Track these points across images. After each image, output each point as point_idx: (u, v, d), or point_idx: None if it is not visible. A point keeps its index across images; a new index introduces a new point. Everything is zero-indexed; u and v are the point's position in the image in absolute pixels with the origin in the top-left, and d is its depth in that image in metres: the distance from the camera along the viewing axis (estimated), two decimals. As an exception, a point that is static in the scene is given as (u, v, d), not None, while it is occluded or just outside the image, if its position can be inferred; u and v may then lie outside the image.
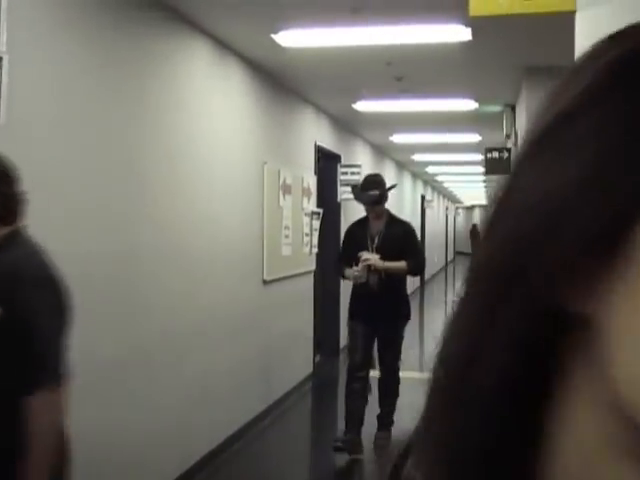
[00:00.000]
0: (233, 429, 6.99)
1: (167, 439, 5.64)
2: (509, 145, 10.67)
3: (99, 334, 4.70)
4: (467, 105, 9.65)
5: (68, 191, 4.38)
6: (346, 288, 11.75)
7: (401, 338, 7.16)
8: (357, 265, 6.68)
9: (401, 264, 6.80)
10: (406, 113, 10.37)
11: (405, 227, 7.18)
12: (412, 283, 21.56)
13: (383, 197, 6.97)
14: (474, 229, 44.01)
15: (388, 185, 7.26)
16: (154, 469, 5.46)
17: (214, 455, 6.48)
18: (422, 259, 7.14)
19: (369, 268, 6.68)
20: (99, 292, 4.70)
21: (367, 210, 7.02)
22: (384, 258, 6.73)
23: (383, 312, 6.79)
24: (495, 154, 10.74)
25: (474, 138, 12.97)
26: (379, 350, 7.13)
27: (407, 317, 7.17)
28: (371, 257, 6.68)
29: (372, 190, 6.88)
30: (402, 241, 6.89)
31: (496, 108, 9.99)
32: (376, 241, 6.87)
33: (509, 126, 9.84)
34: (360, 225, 7.13)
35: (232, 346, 6.93)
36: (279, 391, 8.45)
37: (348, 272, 6.86)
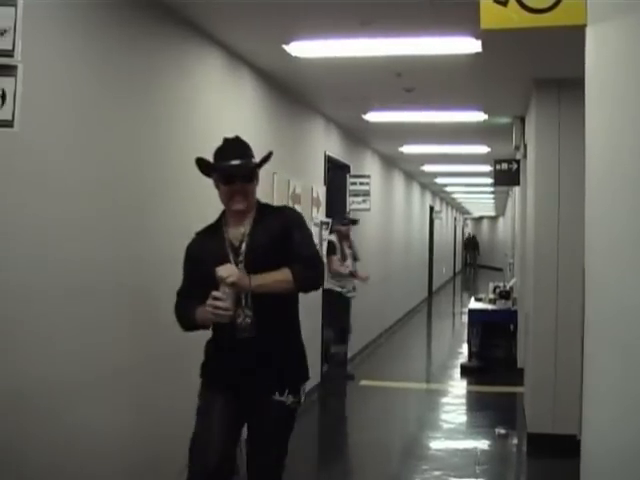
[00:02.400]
0: (241, 438, 6.98)
1: (178, 446, 5.63)
2: (518, 157, 10.70)
3: (110, 341, 4.72)
4: (476, 117, 9.67)
5: (82, 199, 4.41)
6: (355, 298, 11.78)
7: (290, 425, 4.19)
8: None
9: (281, 275, 3.93)
10: (416, 124, 10.38)
11: (284, 216, 4.23)
12: (417, 294, 21.64)
13: (254, 171, 4.16)
14: (469, 240, 44.11)
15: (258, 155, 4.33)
16: (164, 473, 5.47)
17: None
18: (317, 262, 4.15)
19: (237, 296, 3.92)
20: (111, 299, 4.72)
21: (225, 198, 4.12)
22: (258, 271, 3.94)
23: (259, 376, 4.02)
24: (504, 165, 10.78)
25: (483, 149, 12.98)
26: (249, 446, 4.28)
27: (303, 378, 4.23)
28: (229, 271, 3.84)
29: (234, 159, 4.12)
30: (281, 238, 4.03)
31: (505, 120, 10.01)
32: (243, 249, 4.05)
33: (518, 138, 9.86)
34: (210, 233, 4.26)
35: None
36: (286, 400, 8.43)
37: (201, 313, 3.98)
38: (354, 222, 11.03)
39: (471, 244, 44.83)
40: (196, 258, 4.19)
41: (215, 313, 3.82)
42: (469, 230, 46.75)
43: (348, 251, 10.77)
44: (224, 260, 3.95)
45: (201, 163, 4.22)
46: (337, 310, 10.62)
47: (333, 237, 10.47)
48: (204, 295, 3.86)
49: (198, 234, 4.32)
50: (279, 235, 4.04)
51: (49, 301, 4.13)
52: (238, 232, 4.11)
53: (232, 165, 4.09)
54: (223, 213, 4.26)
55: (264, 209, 4.22)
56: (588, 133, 2.99)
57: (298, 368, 4.25)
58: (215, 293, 3.80)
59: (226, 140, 4.31)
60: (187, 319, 4.15)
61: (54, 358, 4.17)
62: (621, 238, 2.36)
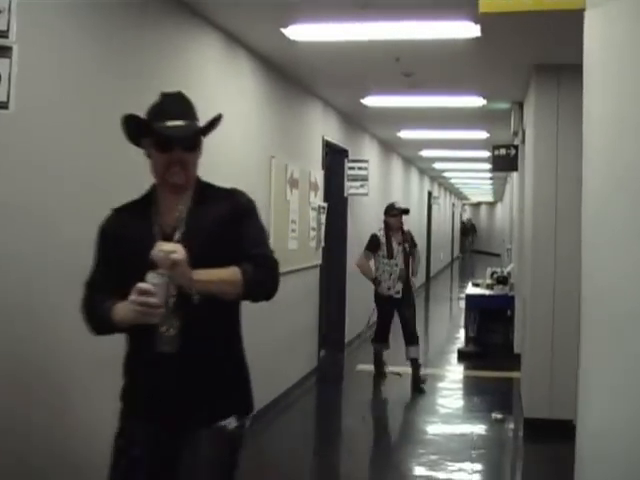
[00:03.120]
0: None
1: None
2: (516, 142, 10.68)
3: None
4: (475, 102, 9.65)
5: (80, 181, 4.40)
6: (353, 281, 11.79)
7: (231, 461, 3.40)
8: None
9: (228, 274, 3.07)
10: (414, 109, 10.37)
11: (235, 201, 3.38)
12: (416, 280, 21.59)
13: (198, 137, 3.34)
14: (464, 225, 44.15)
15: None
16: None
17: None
18: (272, 264, 3.34)
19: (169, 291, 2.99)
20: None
21: (159, 169, 3.23)
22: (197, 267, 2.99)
23: (184, 402, 3.13)
24: (502, 151, 10.76)
25: (481, 135, 12.97)
26: None
27: (246, 410, 3.32)
28: (173, 247, 2.95)
29: (175, 120, 3.23)
30: (229, 228, 3.19)
31: (504, 105, 9.99)
32: (177, 237, 3.14)
33: (517, 123, 9.85)
34: (134, 212, 3.33)
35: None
36: (283, 385, 8.47)
37: (121, 310, 3.05)
38: (405, 212, 9.86)
39: (469, 229, 44.93)
40: (115, 242, 3.22)
41: (142, 311, 2.88)
42: (468, 216, 46.77)
43: (398, 247, 9.56)
44: (148, 249, 2.91)
45: (130, 123, 3.28)
46: (384, 313, 9.68)
47: (379, 231, 9.67)
48: (120, 290, 2.98)
49: (117, 211, 3.33)
50: (227, 223, 3.17)
51: (49, 287, 4.13)
52: (171, 215, 3.18)
53: (172, 127, 3.17)
54: (153, 189, 3.31)
55: (207, 189, 3.35)
56: (586, 117, 2.98)
57: (236, 396, 3.24)
58: (142, 285, 2.86)
59: (165, 96, 3.32)
60: (100, 318, 3.13)
61: (57, 344, 4.18)
62: (618, 224, 2.36)
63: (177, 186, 3.19)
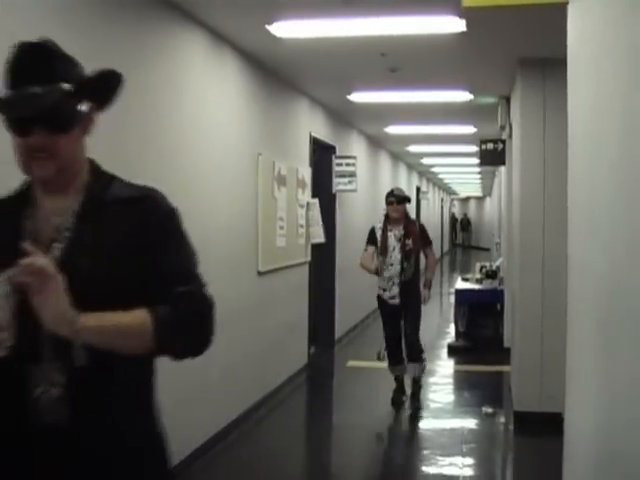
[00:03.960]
0: (228, 420, 7.01)
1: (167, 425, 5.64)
2: (504, 136, 10.69)
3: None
4: (462, 97, 9.65)
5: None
6: (342, 278, 11.79)
7: None
8: None
9: (131, 320, 2.03)
10: (401, 104, 10.37)
11: (148, 208, 2.34)
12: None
13: (65, 108, 2.12)
14: (462, 221, 44.23)
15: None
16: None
17: (209, 445, 6.50)
18: (201, 304, 2.22)
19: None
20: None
21: (20, 160, 2.12)
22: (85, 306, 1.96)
23: None
24: (490, 145, 10.78)
25: (469, 130, 12.99)
26: None
27: None
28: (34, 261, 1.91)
29: (29, 83, 2.06)
30: (136, 251, 2.14)
31: (491, 100, 10.01)
32: (56, 253, 2.08)
33: (504, 118, 9.86)
34: (4, 211, 2.24)
35: (227, 337, 6.94)
36: (274, 382, 8.47)
37: None
38: (403, 200, 8.36)
39: (467, 225, 45.11)
40: None
41: None
42: (463, 211, 46.82)
43: (395, 243, 8.20)
44: (9, 263, 1.92)
45: None
46: (384, 321, 8.51)
47: (378, 222, 8.44)
48: None
49: None
50: (134, 241, 2.15)
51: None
52: (49, 221, 2.15)
53: (18, 97, 2.07)
54: (30, 183, 2.25)
55: (106, 186, 2.26)
56: (571, 110, 2.99)
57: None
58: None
59: (21, 47, 2.19)
60: None
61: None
62: (602, 217, 2.36)
63: (45, 182, 2.16)
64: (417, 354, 8.36)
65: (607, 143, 2.34)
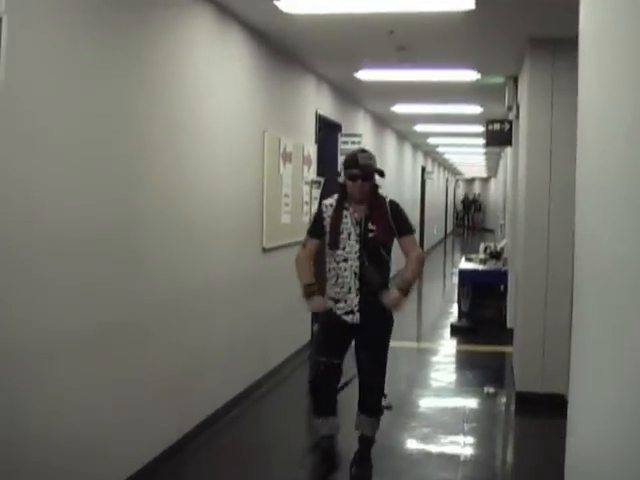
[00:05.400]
0: (231, 396, 7.02)
1: (166, 404, 5.67)
2: (510, 117, 10.66)
3: (100, 297, 4.71)
4: (469, 76, 9.61)
5: (67, 153, 4.37)
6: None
7: None
8: None
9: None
10: (408, 83, 10.33)
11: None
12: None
13: None
14: (466, 199, 44.15)
15: None
16: (153, 432, 5.50)
17: (212, 421, 6.52)
18: None
19: None
20: (100, 256, 4.71)
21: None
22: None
23: None
24: (496, 126, 10.75)
25: (475, 110, 12.94)
26: None
27: None
28: None
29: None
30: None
31: (498, 79, 9.96)
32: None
33: (511, 98, 9.81)
34: None
35: (231, 313, 6.95)
36: (277, 359, 8.48)
37: None
38: (372, 175, 5.50)
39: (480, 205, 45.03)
40: None
41: None
42: (461, 191, 46.72)
43: (352, 228, 5.43)
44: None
45: None
46: (322, 340, 5.71)
47: (328, 199, 5.68)
48: None
49: None
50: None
51: (39, 258, 4.10)
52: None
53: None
54: None
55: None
56: (581, 91, 2.97)
57: None
58: None
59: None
60: None
61: (48, 315, 4.16)
62: (611, 195, 2.35)
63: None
64: (376, 404, 5.68)
65: (619, 120, 2.32)
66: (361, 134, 11.86)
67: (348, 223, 5.44)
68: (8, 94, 3.76)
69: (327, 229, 5.51)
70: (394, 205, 5.59)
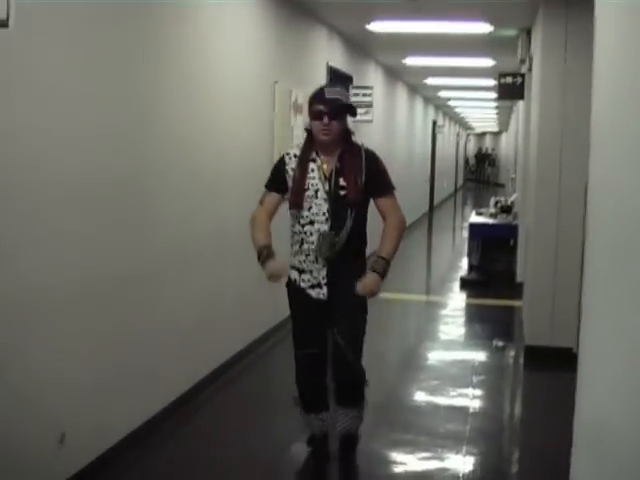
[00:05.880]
0: (241, 346, 7.05)
1: (176, 353, 5.70)
2: (523, 70, 10.57)
3: (110, 249, 4.72)
4: (482, 28, 9.53)
5: (80, 106, 4.36)
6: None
7: None
8: None
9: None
10: (420, 35, 10.25)
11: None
12: (418, 208, 21.51)
13: None
14: (479, 153, 43.99)
15: None
16: (163, 382, 5.53)
17: (221, 371, 6.55)
18: None
19: None
20: (110, 208, 4.71)
21: None
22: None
23: None
24: (509, 79, 10.66)
25: (488, 63, 12.84)
26: None
27: None
28: None
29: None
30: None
31: (511, 32, 9.87)
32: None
33: (524, 51, 9.73)
34: None
35: (241, 264, 6.95)
36: (286, 310, 8.48)
37: None
38: (340, 110, 4.59)
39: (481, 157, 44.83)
40: None
41: None
42: (472, 145, 46.54)
43: (321, 183, 4.60)
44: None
45: None
46: (296, 328, 4.96)
47: (293, 148, 4.98)
48: None
49: None
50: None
51: (48, 211, 4.11)
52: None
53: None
54: None
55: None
56: (598, 44, 2.94)
57: None
58: None
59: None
60: None
61: (53, 267, 4.17)
62: (628, 150, 2.33)
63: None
64: (355, 392, 4.91)
65: (635, 77, 2.30)
66: (372, 86, 11.79)
67: (315, 178, 4.56)
68: (18, 42, 3.74)
69: (290, 185, 4.64)
70: (370, 156, 4.68)
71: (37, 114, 3.98)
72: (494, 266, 11.94)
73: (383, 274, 4.62)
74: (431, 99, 22.10)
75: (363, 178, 4.56)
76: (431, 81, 16.62)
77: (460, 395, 6.48)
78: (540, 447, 5.42)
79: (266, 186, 4.80)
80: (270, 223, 4.74)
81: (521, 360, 7.62)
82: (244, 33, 6.94)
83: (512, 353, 8.04)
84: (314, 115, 4.55)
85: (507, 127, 29.20)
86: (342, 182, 4.55)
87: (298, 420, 5.15)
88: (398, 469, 5.03)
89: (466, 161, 44.08)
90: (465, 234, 13.84)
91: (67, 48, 4.22)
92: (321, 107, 4.52)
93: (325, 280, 4.64)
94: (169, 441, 5.32)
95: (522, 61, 10.11)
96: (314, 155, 4.62)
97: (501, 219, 12.18)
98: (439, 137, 25.48)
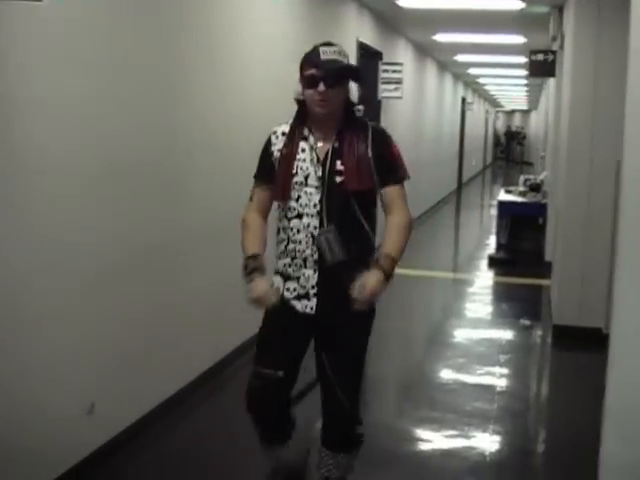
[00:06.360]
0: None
1: (202, 327, 5.71)
2: (554, 47, 10.48)
3: (145, 220, 4.76)
4: (513, 4, 9.44)
5: (114, 75, 4.36)
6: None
7: None
8: None
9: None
10: (450, 11, 10.18)
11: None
12: (447, 185, 21.43)
13: None
14: (509, 131, 43.73)
15: None
16: (188, 356, 5.55)
17: (246, 347, 6.56)
18: None
19: None
20: (145, 181, 4.74)
21: None
22: None
23: None
24: (540, 56, 10.57)
25: (519, 40, 12.73)
26: None
27: None
28: None
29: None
30: None
31: (543, 9, 9.77)
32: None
33: (556, 28, 9.64)
34: None
35: (269, 240, 6.96)
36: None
37: None
38: (340, 76, 3.55)
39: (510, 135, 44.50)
40: None
41: None
42: (501, 123, 46.25)
43: (311, 167, 3.55)
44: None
45: None
46: (262, 343, 3.77)
47: (281, 125, 3.78)
48: None
49: None
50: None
51: (82, 180, 4.12)
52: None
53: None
54: None
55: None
56: (634, 20, 2.90)
57: None
58: None
59: None
60: None
61: (87, 237, 4.19)
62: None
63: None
64: (349, 436, 3.79)
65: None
66: (402, 63, 11.73)
67: (306, 160, 3.53)
68: (53, 15, 3.75)
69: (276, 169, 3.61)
70: (380, 135, 3.60)
71: (67, 85, 3.99)
72: (522, 244, 11.90)
73: (389, 275, 3.45)
74: (461, 76, 21.98)
75: (371, 163, 3.47)
76: (461, 58, 16.52)
77: (487, 373, 6.47)
78: (567, 427, 5.40)
79: (255, 177, 3.74)
80: (266, 223, 3.77)
81: (549, 339, 7.59)
82: (274, 9, 6.91)
83: (539, 332, 8.01)
84: (307, 82, 3.51)
85: (537, 105, 29.01)
86: (339, 166, 3.47)
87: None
88: (424, 446, 5.03)
89: (496, 140, 43.79)
90: (493, 212, 13.80)
91: (101, 25, 4.21)
92: (315, 71, 3.48)
93: (315, 290, 3.54)
94: (199, 410, 5.35)
95: (554, 38, 10.02)
96: (306, 132, 3.57)
97: (530, 197, 12.11)
98: (468, 114, 25.35)
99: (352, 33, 9.81)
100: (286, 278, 3.64)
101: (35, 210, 3.79)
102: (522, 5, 9.42)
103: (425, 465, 4.76)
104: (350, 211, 3.49)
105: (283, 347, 3.63)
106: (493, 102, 37.21)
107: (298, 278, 3.58)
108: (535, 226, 11.73)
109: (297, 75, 3.55)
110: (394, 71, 11.30)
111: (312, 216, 3.51)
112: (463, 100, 24.02)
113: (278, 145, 3.63)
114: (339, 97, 3.52)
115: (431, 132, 17.15)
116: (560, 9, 9.45)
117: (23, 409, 3.81)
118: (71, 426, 4.19)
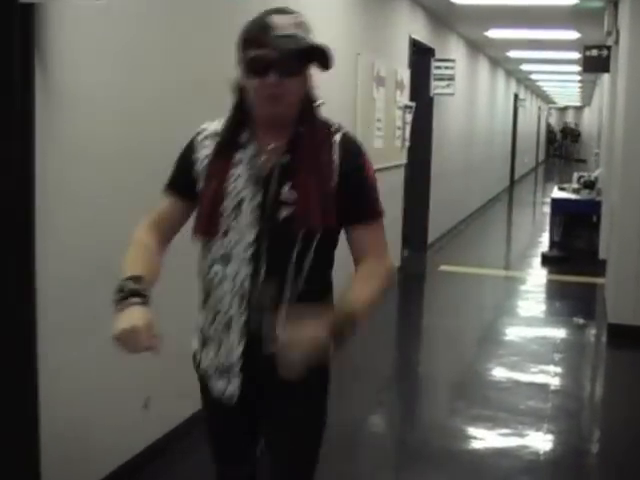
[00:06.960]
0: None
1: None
2: (609, 43, 10.37)
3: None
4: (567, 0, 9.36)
5: (152, 64, 4.39)
6: (437, 183, 11.70)
7: None
8: None
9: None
10: (503, 7, 10.11)
11: None
12: (499, 183, 21.32)
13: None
14: (565, 128, 43.36)
15: None
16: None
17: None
18: None
19: None
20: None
21: None
22: None
23: None
24: (594, 52, 10.48)
25: (572, 35, 12.60)
26: None
27: None
28: None
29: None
30: None
31: (597, 3, 9.67)
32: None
33: (611, 23, 9.53)
34: None
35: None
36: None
37: None
38: (297, 55, 2.37)
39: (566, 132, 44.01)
40: None
41: None
42: (554, 119, 45.84)
43: (249, 191, 2.33)
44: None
45: None
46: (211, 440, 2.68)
47: (216, 123, 2.47)
48: None
49: None
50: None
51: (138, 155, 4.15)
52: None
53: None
54: None
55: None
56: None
57: None
58: None
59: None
60: None
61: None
62: None
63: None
64: None
65: None
66: (454, 59, 11.67)
67: (241, 177, 2.35)
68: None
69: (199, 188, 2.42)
70: (351, 146, 2.49)
71: (121, 78, 4.02)
72: (576, 242, 11.79)
73: (340, 330, 2.20)
74: (513, 72, 21.82)
75: (333, 186, 2.35)
76: (513, 54, 16.40)
77: (541, 372, 6.41)
78: (622, 427, 5.35)
79: (166, 186, 2.52)
80: (161, 247, 2.51)
81: (603, 338, 7.50)
82: (328, 6, 6.91)
83: (594, 331, 7.93)
84: (251, 68, 2.30)
85: (590, 101, 28.73)
86: (287, 193, 2.32)
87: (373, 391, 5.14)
88: (477, 444, 5.00)
89: (551, 138, 43.34)
90: (545, 209, 13.70)
91: (147, 19, 4.25)
92: (266, 52, 2.28)
93: (239, 366, 2.39)
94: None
95: (609, 33, 9.91)
96: (245, 138, 2.39)
97: (584, 195, 11.99)
98: (520, 111, 25.16)
99: (405, 30, 9.79)
100: (205, 341, 2.48)
101: (100, 203, 3.82)
102: (576, 0, 9.32)
103: (478, 464, 4.73)
104: (300, 258, 2.34)
105: (232, 445, 2.60)
106: (546, 98, 36.91)
107: (219, 345, 2.41)
108: (589, 224, 11.62)
109: (236, 55, 2.37)
110: (446, 67, 11.25)
111: (243, 261, 2.34)
112: (516, 96, 23.85)
113: (204, 151, 2.42)
114: (298, 91, 2.43)
115: (483, 128, 17.05)
116: (615, 4, 9.35)
117: (88, 403, 3.84)
118: (127, 420, 4.22)
